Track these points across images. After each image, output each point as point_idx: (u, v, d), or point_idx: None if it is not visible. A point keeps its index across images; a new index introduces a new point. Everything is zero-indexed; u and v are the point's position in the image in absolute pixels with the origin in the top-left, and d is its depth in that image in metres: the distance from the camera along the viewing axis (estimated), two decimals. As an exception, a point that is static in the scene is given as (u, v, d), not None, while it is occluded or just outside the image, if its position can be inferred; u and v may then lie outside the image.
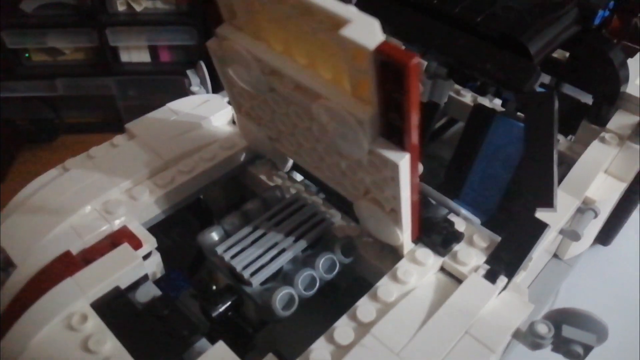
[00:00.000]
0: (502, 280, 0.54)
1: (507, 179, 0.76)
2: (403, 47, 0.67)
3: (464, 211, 0.66)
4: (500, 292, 0.54)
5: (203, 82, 0.75)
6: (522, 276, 0.61)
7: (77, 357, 0.49)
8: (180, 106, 0.71)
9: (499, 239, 0.58)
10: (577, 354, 0.51)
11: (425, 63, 0.64)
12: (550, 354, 0.54)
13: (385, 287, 0.54)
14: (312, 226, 0.61)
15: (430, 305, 0.53)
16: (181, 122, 0.69)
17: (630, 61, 0.72)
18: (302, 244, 0.59)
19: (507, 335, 0.51)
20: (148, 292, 0.57)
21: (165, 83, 1.36)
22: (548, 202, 0.55)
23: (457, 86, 0.83)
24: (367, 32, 0.39)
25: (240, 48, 0.50)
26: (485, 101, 0.81)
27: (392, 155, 0.44)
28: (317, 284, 0.58)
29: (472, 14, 0.62)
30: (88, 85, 1.36)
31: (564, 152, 0.75)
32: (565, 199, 0.65)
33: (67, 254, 0.56)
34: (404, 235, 0.54)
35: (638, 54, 0.80)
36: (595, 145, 0.70)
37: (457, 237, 0.57)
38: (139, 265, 0.56)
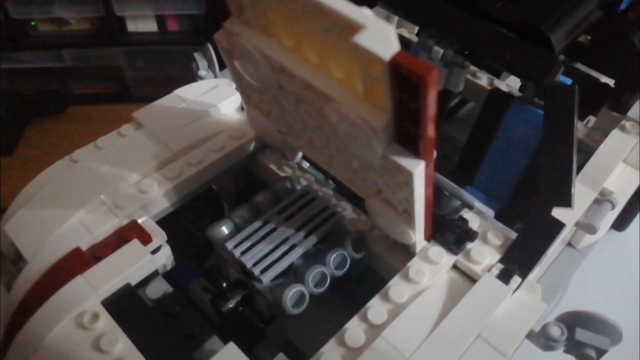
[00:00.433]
0: (516, 280, 0.54)
1: (523, 166, 0.74)
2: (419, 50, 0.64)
3: (477, 203, 0.65)
4: (513, 293, 0.54)
5: (211, 66, 0.73)
6: (536, 272, 0.60)
7: (90, 357, 0.49)
8: (188, 93, 0.70)
9: (513, 235, 0.57)
10: (590, 357, 0.50)
11: (441, 51, 0.62)
12: (560, 354, 0.54)
13: (396, 287, 0.53)
14: (323, 221, 0.60)
15: (443, 306, 0.52)
16: (189, 110, 0.67)
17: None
18: (313, 239, 0.58)
19: (519, 339, 0.50)
20: (159, 289, 0.57)
21: (173, 53, 1.34)
22: (566, 201, 0.54)
23: (473, 67, 0.80)
24: (382, 40, 0.37)
25: (249, 45, 0.48)
26: (501, 84, 0.79)
27: (406, 162, 0.43)
28: (328, 281, 0.57)
29: (492, 0, 0.59)
30: (95, 56, 1.34)
31: (582, 140, 0.72)
32: (582, 191, 0.63)
33: (77, 250, 0.56)
34: (417, 235, 0.53)
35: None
36: (615, 134, 0.68)
37: (471, 236, 0.56)
38: (149, 262, 0.56)
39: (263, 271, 0.56)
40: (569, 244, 0.78)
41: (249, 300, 0.59)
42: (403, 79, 0.37)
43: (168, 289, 0.57)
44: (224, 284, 0.61)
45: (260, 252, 0.57)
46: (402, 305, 0.52)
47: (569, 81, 0.66)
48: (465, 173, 0.77)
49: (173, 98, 0.69)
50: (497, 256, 0.56)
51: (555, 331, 0.51)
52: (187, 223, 0.74)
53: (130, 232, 0.58)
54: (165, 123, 0.66)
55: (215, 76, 0.73)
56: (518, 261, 0.55)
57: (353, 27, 0.38)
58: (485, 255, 0.55)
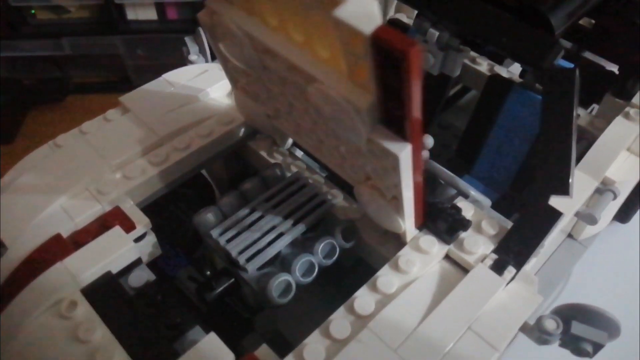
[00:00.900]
0: (510, 271, 0.52)
1: (523, 154, 0.72)
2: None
3: (474, 192, 0.63)
4: (507, 284, 0.52)
5: (202, 50, 0.71)
6: (532, 263, 0.58)
7: (67, 347, 0.48)
8: (176, 77, 0.68)
9: (509, 225, 0.55)
10: (586, 352, 0.48)
11: (436, 34, 0.59)
12: (556, 348, 0.51)
13: (385, 277, 0.51)
14: (312, 208, 0.58)
15: (433, 297, 0.50)
16: (177, 94, 0.65)
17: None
18: (301, 227, 0.57)
19: (512, 332, 0.48)
20: (141, 277, 0.55)
21: (174, 42, 1.32)
22: (563, 189, 0.51)
23: (472, 53, 0.78)
24: (363, 13, 0.34)
25: (231, 24, 0.46)
26: (502, 70, 0.76)
27: (392, 145, 0.41)
28: (316, 271, 0.55)
29: (489, -20, 0.56)
30: (95, 44, 1.33)
31: (585, 127, 0.70)
32: (582, 180, 0.61)
33: (58, 237, 0.54)
34: (407, 223, 0.51)
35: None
36: (619, 121, 0.66)
37: (464, 224, 0.53)
38: (130, 249, 0.54)
39: (248, 260, 0.54)
40: (570, 236, 0.75)
41: (235, 289, 0.57)
42: (385, 54, 0.34)
43: (151, 277, 0.55)
44: (209, 273, 0.60)
45: (246, 240, 0.55)
46: (391, 295, 0.50)
47: (570, 66, 0.64)
48: (463, 161, 0.75)
49: (161, 82, 0.67)
50: (492, 246, 0.54)
51: (551, 324, 0.49)
52: (177, 211, 0.73)
53: (112, 219, 0.56)
54: (152, 108, 0.64)
55: (207, 61, 0.72)
56: (513, 251, 0.52)
57: (334, 1, 0.36)
58: (479, 245, 0.53)
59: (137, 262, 0.56)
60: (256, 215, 0.57)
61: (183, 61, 0.74)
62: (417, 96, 0.36)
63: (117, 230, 0.55)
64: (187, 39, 0.72)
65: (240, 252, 0.54)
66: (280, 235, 0.56)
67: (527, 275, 0.54)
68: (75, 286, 0.51)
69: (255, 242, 0.55)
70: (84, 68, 1.41)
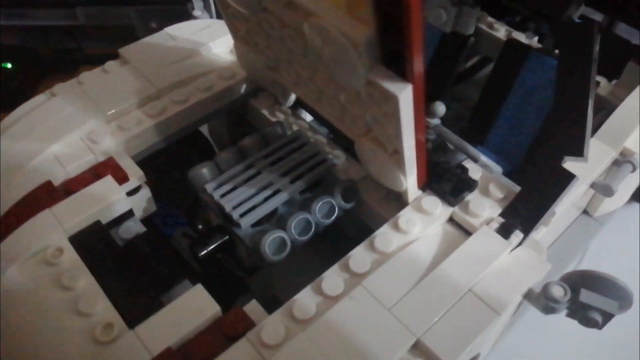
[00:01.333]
0: (517, 235, 0.49)
1: (539, 124, 0.68)
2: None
3: (484, 158, 0.60)
4: (513, 249, 0.49)
5: (207, 6, 0.69)
6: (543, 232, 0.55)
7: (50, 293, 0.46)
8: (179, 31, 0.66)
9: (518, 189, 0.52)
10: (594, 321, 0.45)
11: (449, -13, 0.56)
12: (562, 318, 0.48)
13: (384, 236, 0.49)
14: (311, 167, 0.55)
15: (433, 258, 0.47)
16: (178, 48, 0.63)
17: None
18: (300, 185, 0.54)
19: (515, 297, 0.45)
20: (132, 228, 0.54)
21: (188, 14, 1.30)
22: (578, 150, 0.48)
23: (490, 19, 0.74)
24: None
25: (228, -42, 0.43)
26: (521, 37, 0.73)
27: (391, 86, 0.38)
28: (313, 229, 0.53)
29: None
30: (108, 15, 1.32)
31: (605, 97, 0.66)
32: (600, 149, 0.58)
33: (48, 184, 0.53)
34: (409, 180, 0.48)
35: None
36: (641, 90, 0.62)
37: (470, 185, 0.51)
38: (121, 200, 0.52)
39: (242, 215, 0.52)
40: (585, 212, 0.71)
41: (230, 247, 0.55)
42: (382, -25, 0.32)
43: (142, 229, 0.53)
44: (201, 228, 0.58)
45: (241, 195, 0.53)
46: (389, 255, 0.47)
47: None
48: (476, 131, 0.72)
49: (163, 36, 0.65)
50: (499, 210, 0.51)
51: (558, 291, 0.45)
52: (178, 172, 0.71)
53: (105, 169, 0.54)
54: (151, 60, 0.62)
55: (211, 17, 0.69)
56: (521, 215, 0.49)
57: None
58: (485, 207, 0.50)
59: (129, 214, 0.54)
60: (253, 171, 0.55)
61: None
62: (417, 25, 0.34)
63: (108, 179, 0.53)
64: (193, -6, 0.70)
65: (235, 207, 0.52)
66: (277, 192, 0.53)
67: (536, 243, 0.51)
68: (62, 233, 0.50)
69: (250, 197, 0.53)
70: (97, 39, 1.40)
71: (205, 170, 0.55)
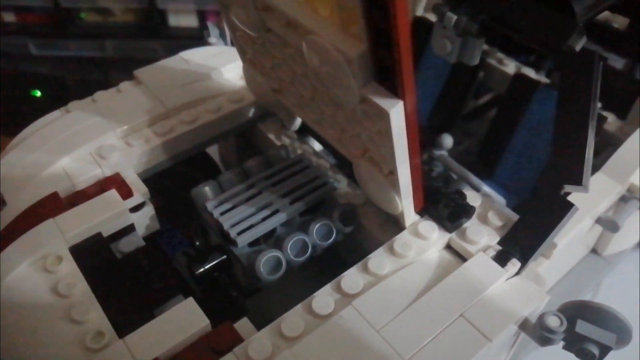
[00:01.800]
0: (515, 264, 0.48)
1: (547, 158, 0.68)
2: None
3: (486, 187, 0.60)
4: (510, 277, 0.48)
5: (222, 34, 0.71)
6: (545, 265, 0.54)
7: (45, 299, 0.47)
8: (192, 56, 0.68)
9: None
10: (591, 354, 0.44)
11: (454, 17, 0.57)
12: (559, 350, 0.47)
13: (378, 258, 0.48)
14: (312, 189, 0.56)
15: (426, 282, 0.47)
16: (191, 71, 0.65)
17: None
18: (299, 206, 0.55)
19: (509, 324, 0.44)
20: (132, 242, 0.54)
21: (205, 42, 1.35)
22: (577, 178, 0.47)
23: (500, 54, 0.75)
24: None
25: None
26: (530, 72, 0.73)
27: (383, 102, 0.39)
28: (310, 250, 0.53)
29: (511, -36, 0.54)
30: (136, 48, 1.37)
31: (613, 133, 0.66)
32: (605, 183, 0.57)
33: (54, 195, 0.54)
34: (404, 202, 0.48)
35: None
36: (649, 126, 0.62)
37: (468, 211, 0.50)
38: (123, 214, 0.53)
39: (240, 233, 0.52)
40: (594, 251, 0.70)
41: (227, 267, 0.56)
42: (372, -8, 0.33)
43: (141, 244, 0.54)
44: (198, 244, 0.58)
45: (240, 214, 0.53)
46: (382, 277, 0.47)
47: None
48: (484, 165, 0.72)
49: (177, 60, 0.68)
50: (497, 238, 0.50)
51: (553, 321, 0.44)
52: (184, 194, 0.72)
53: (110, 184, 0.56)
54: (164, 82, 0.64)
55: (226, 44, 0.72)
56: (519, 244, 0.49)
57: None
58: (482, 235, 0.50)
59: (130, 229, 0.55)
60: (254, 191, 0.55)
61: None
62: (405, 38, 0.34)
63: (112, 193, 0.54)
64: (210, 23, 0.72)
65: (233, 226, 0.52)
66: (276, 212, 0.54)
67: (537, 275, 0.50)
68: (64, 243, 0.51)
69: (249, 216, 0.53)
70: (124, 71, 1.44)
71: (207, 189, 0.56)
